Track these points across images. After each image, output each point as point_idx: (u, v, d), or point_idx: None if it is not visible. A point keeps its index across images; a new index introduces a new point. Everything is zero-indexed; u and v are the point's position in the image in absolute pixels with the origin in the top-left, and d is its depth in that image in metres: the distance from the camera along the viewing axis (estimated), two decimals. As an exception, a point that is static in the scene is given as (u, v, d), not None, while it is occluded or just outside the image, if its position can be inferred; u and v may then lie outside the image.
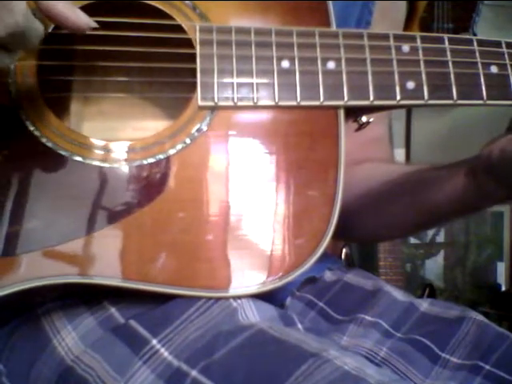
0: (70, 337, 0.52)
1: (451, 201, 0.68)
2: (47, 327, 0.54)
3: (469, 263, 2.96)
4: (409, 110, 2.83)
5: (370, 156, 0.83)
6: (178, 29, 0.57)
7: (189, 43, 0.56)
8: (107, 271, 0.51)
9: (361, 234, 0.84)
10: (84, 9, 0.55)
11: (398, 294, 0.69)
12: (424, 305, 0.67)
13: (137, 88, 0.63)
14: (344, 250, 2.43)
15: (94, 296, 0.55)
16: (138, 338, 0.50)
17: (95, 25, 0.51)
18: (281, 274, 0.53)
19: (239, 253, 0.53)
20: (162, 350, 0.49)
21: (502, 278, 2.97)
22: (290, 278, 0.53)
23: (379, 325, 0.64)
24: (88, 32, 0.50)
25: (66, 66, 0.57)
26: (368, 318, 0.65)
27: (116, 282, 0.51)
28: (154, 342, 0.49)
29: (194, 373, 0.46)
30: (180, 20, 0.57)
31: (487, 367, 0.58)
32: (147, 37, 0.55)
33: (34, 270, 0.50)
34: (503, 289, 2.95)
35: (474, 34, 2.82)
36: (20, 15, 0.45)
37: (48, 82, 0.56)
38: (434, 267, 2.93)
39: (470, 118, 2.72)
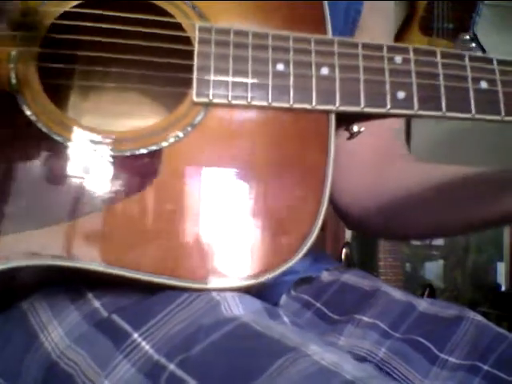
0: (56, 332, 0.52)
1: None
2: (34, 323, 0.54)
3: (469, 263, 2.96)
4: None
5: (395, 149, 0.83)
6: (177, 27, 0.58)
7: (187, 42, 0.57)
8: (91, 255, 0.51)
9: (412, 232, 0.83)
10: (85, 5, 0.57)
11: (397, 294, 0.69)
12: (422, 304, 0.67)
13: (134, 82, 0.64)
14: (344, 250, 2.44)
15: (77, 287, 0.55)
16: (120, 332, 0.50)
17: None
18: (263, 270, 0.53)
19: (223, 246, 0.53)
20: (143, 343, 0.48)
21: (502, 278, 2.97)
22: (271, 276, 0.53)
23: (377, 326, 0.64)
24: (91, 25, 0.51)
25: (66, 56, 0.58)
26: (366, 319, 0.65)
27: (97, 266, 0.51)
28: (136, 335, 0.49)
29: (171, 366, 0.46)
30: (180, 19, 0.59)
31: (486, 367, 0.59)
32: (145, 33, 0.56)
33: (18, 250, 0.51)
34: (503, 289, 2.95)
35: (474, 34, 2.82)
36: None
37: (48, 71, 0.57)
38: (433, 267, 2.93)
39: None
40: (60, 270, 0.53)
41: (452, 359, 0.60)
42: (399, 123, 0.86)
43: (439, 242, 2.93)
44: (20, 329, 0.55)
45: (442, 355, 0.61)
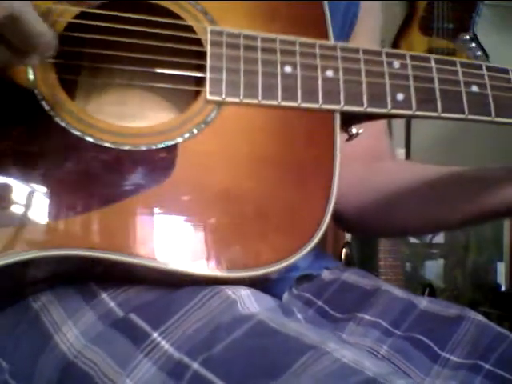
0: (71, 332, 0.52)
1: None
2: (47, 323, 0.54)
3: (469, 263, 2.97)
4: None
5: (380, 148, 0.86)
6: (188, 30, 0.60)
7: (197, 44, 0.60)
8: (107, 245, 0.52)
9: (403, 229, 0.85)
10: (101, 5, 0.58)
11: (397, 292, 0.70)
12: (423, 302, 0.68)
13: (145, 81, 0.65)
14: (344, 250, 2.44)
15: (89, 286, 0.55)
16: (138, 332, 0.50)
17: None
18: (274, 260, 0.55)
19: (234, 237, 0.55)
20: (163, 342, 0.48)
21: (502, 278, 2.97)
22: (282, 265, 0.55)
23: (379, 324, 0.65)
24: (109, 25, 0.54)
25: (80, 54, 0.59)
26: (367, 317, 0.66)
27: (115, 256, 0.52)
28: (155, 334, 0.49)
29: (195, 365, 0.46)
30: (190, 21, 0.61)
31: (487, 366, 0.59)
32: (156, 35, 0.58)
33: (31, 243, 0.52)
34: (503, 289, 2.95)
35: (474, 34, 2.82)
36: None
37: (64, 66, 0.58)
38: (434, 267, 2.93)
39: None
40: (76, 263, 0.54)
41: (453, 358, 0.61)
42: (383, 124, 0.89)
43: (439, 239, 2.93)
44: (32, 330, 0.55)
45: (444, 354, 0.61)
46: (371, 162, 0.84)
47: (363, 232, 0.97)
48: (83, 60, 0.61)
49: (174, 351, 0.48)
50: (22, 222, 0.52)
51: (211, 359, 0.46)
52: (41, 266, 0.54)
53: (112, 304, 0.54)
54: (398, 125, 2.72)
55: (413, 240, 2.87)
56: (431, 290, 2.63)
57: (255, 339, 0.47)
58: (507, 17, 2.97)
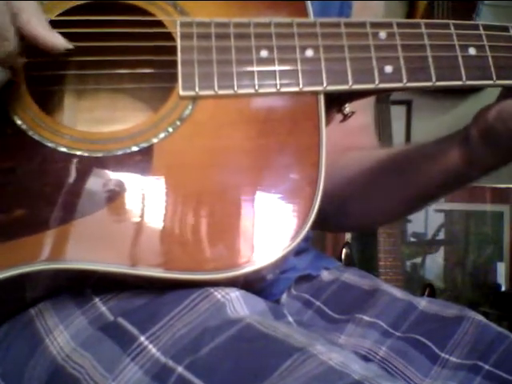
0: (62, 336, 0.52)
1: (444, 174, 0.68)
2: (40, 327, 0.54)
3: (469, 263, 2.96)
4: (409, 109, 2.83)
5: (356, 144, 0.84)
6: (160, 26, 0.59)
7: (170, 39, 0.58)
8: (96, 256, 0.51)
9: (353, 222, 0.84)
10: (70, 10, 0.58)
11: (396, 293, 0.69)
12: (422, 303, 0.68)
13: (126, 83, 0.64)
14: (344, 250, 2.44)
15: (83, 292, 0.55)
16: (126, 336, 0.50)
17: (71, 46, 0.53)
18: (267, 253, 0.53)
19: (221, 235, 0.53)
20: (150, 346, 0.48)
21: (502, 278, 2.97)
22: (274, 259, 0.53)
23: (378, 325, 0.65)
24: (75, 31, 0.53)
25: (53, 62, 0.58)
26: (366, 318, 0.66)
27: (102, 266, 0.51)
28: (142, 338, 0.49)
29: (179, 369, 0.46)
30: (161, 17, 0.60)
31: (487, 367, 0.59)
32: (128, 34, 0.57)
33: (20, 256, 0.51)
34: (503, 289, 2.95)
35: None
36: (15, 42, 0.50)
37: (36, 78, 0.57)
38: (434, 267, 2.93)
39: (470, 118, 2.72)
40: (68, 275, 0.53)
41: (453, 358, 0.60)
42: (366, 119, 0.86)
43: (440, 236, 2.92)
44: (25, 334, 0.55)
45: (443, 354, 0.61)
46: (333, 157, 0.82)
47: (324, 226, 0.96)
48: (53, 69, 0.60)
49: (160, 355, 0.47)
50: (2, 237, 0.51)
51: (196, 362, 0.46)
52: (38, 278, 0.53)
53: (103, 308, 0.53)
54: (398, 124, 2.71)
55: (412, 239, 2.87)
56: (431, 290, 2.62)
57: (242, 342, 0.47)
58: (507, 17, 2.97)
